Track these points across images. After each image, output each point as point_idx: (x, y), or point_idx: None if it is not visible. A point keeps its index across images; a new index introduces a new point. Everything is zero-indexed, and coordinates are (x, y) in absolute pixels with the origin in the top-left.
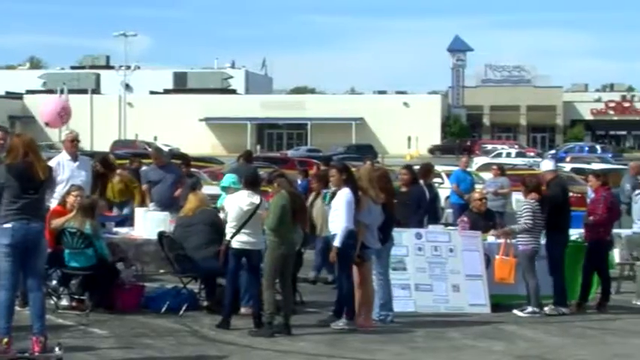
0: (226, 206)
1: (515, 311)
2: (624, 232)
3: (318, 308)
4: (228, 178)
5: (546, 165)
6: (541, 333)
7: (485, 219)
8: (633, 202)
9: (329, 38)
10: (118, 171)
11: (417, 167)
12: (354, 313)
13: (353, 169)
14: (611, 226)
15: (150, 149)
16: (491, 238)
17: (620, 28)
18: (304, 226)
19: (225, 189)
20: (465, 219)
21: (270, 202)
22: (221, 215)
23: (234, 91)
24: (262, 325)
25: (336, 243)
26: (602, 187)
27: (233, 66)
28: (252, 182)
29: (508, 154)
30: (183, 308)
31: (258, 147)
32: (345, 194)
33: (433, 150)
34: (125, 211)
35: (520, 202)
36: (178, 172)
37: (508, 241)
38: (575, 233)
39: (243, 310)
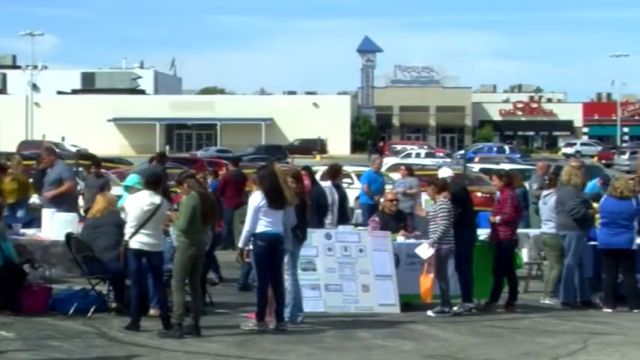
0: (127, 206)
1: (429, 312)
2: (532, 231)
3: (228, 309)
4: (132, 178)
5: (445, 172)
6: (451, 332)
7: (397, 220)
8: (541, 203)
9: (238, 38)
10: (10, 170)
11: (325, 168)
12: (264, 314)
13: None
14: (517, 226)
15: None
16: (400, 239)
17: (528, 30)
18: (214, 227)
19: (128, 188)
20: (377, 219)
21: (179, 203)
22: (122, 215)
23: (142, 92)
24: (171, 327)
25: (239, 244)
26: (507, 187)
27: (142, 66)
28: (152, 182)
29: (417, 155)
30: (92, 310)
31: (167, 147)
32: (252, 197)
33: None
34: (19, 213)
35: (429, 202)
36: (66, 171)
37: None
38: (484, 233)
39: (152, 311)
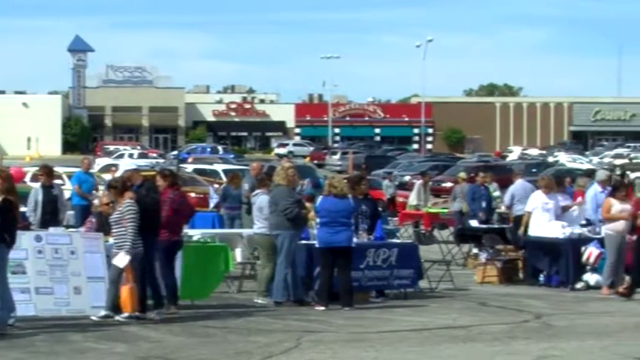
0: None
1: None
2: (245, 231)
3: None
4: None
5: (128, 164)
6: (164, 333)
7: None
8: (251, 203)
9: None
10: None
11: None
12: None
13: None
14: (181, 228)
15: None
16: (112, 240)
17: (242, 31)
18: None
19: None
20: (93, 220)
21: None
22: None
23: None
24: None
25: None
26: (171, 187)
27: None
28: None
29: (130, 155)
30: None
31: None
32: None
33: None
34: None
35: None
36: None
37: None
38: (198, 233)
39: None
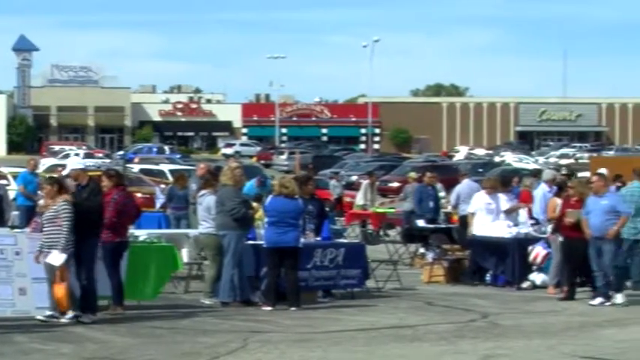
0: None
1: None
2: (192, 232)
3: None
4: None
5: (75, 163)
6: (110, 334)
7: None
8: (198, 204)
9: None
10: None
11: None
12: None
13: None
14: (127, 228)
15: None
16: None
17: (188, 30)
18: None
19: None
20: (38, 220)
21: None
22: None
23: None
24: None
25: None
26: (116, 188)
27: None
28: None
29: (76, 156)
30: None
31: None
32: None
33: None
34: None
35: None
36: None
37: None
38: (144, 233)
39: None
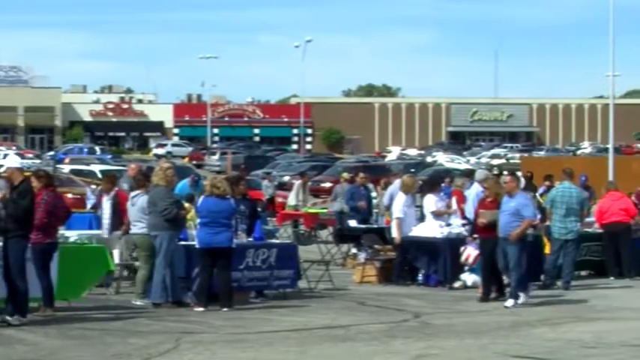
0: None
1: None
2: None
3: None
4: None
5: (12, 162)
6: (40, 336)
7: None
8: (130, 204)
9: None
10: None
11: None
12: None
13: None
14: (56, 229)
15: None
16: None
17: (119, 30)
18: None
19: None
20: None
21: None
22: None
23: None
24: None
25: None
26: (46, 188)
27: None
28: None
29: (5, 156)
30: None
31: None
32: None
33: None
34: None
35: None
36: None
37: None
38: (75, 234)
39: None
